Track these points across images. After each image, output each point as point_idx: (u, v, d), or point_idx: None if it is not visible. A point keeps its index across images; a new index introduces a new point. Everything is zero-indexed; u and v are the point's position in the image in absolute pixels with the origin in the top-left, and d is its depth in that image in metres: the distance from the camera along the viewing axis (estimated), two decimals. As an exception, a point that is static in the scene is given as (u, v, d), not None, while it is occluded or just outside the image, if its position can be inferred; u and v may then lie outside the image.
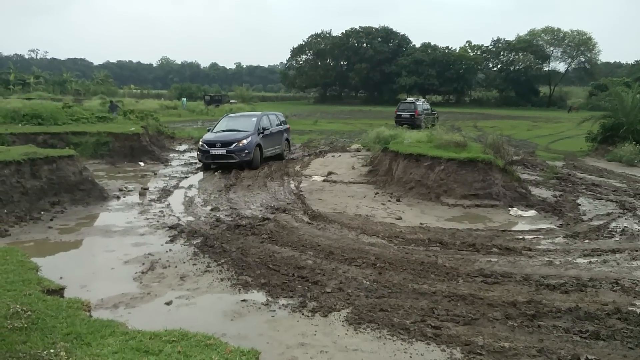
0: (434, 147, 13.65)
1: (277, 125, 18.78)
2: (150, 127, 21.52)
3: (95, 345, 3.64)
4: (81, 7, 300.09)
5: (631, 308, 6.08)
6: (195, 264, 7.56)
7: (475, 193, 11.60)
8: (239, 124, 17.38)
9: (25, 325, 3.87)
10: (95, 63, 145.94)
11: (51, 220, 9.70)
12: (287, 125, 20.18)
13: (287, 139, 19.55)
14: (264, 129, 17.17)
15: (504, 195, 11.61)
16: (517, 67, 75.40)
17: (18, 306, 4.10)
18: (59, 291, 4.84)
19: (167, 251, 8.13)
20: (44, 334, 3.79)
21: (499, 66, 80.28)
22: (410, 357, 4.99)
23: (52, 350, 3.48)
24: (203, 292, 6.58)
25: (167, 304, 6.21)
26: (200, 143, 16.45)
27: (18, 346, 3.59)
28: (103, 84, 74.59)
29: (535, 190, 12.90)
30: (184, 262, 7.63)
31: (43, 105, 20.27)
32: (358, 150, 21.06)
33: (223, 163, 15.94)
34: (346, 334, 5.48)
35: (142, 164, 17.27)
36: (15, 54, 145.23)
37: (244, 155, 15.80)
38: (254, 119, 17.52)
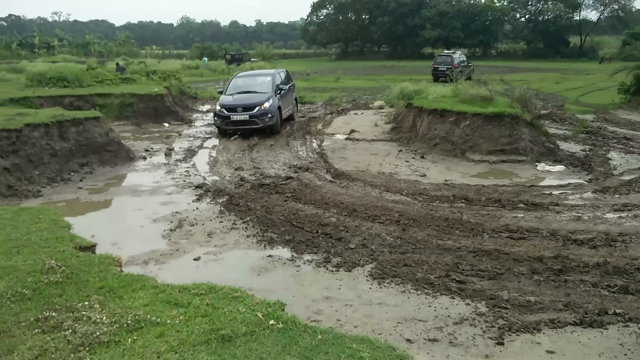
0: (459, 102, 13.37)
1: (287, 83, 17.34)
2: (173, 88, 21.46)
3: (127, 298, 3.79)
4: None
5: (662, 263, 6.00)
6: (221, 222, 7.69)
7: (502, 148, 11.41)
8: (254, 85, 15.96)
9: (60, 280, 4.06)
10: (117, 24, 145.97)
11: (80, 180, 9.94)
12: (293, 82, 18.90)
13: (295, 98, 18.48)
14: (280, 89, 15.81)
15: (531, 150, 11.39)
16: (546, 17, 72.42)
17: (53, 262, 4.29)
18: (90, 248, 5.01)
19: (194, 209, 8.28)
20: (78, 288, 3.97)
21: (526, 16, 77.19)
22: (435, 310, 5.05)
23: (86, 303, 3.65)
24: (230, 249, 6.72)
25: (196, 259, 6.37)
26: (218, 108, 14.89)
27: (54, 299, 3.78)
28: (125, 45, 74.45)
29: (563, 145, 12.63)
30: (211, 220, 7.77)
31: (68, 67, 20.38)
32: (381, 107, 20.78)
33: (245, 129, 14.52)
34: (370, 288, 5.56)
35: (166, 124, 17.37)
36: (39, 17, 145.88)
37: (267, 119, 14.43)
38: (269, 78, 16.04)
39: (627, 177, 9.86)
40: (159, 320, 3.43)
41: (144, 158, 12.08)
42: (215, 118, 15.02)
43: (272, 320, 3.41)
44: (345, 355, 3.07)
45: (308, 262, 6.22)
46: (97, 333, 3.26)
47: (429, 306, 5.14)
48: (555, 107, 19.47)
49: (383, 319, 4.89)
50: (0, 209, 6.29)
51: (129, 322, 3.42)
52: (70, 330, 3.33)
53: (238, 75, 17.56)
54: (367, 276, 5.83)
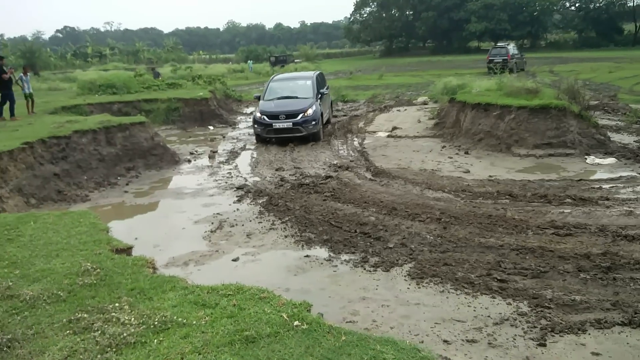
0: (503, 95, 13.02)
1: (324, 86, 16.29)
2: (218, 91, 21.92)
3: (156, 299, 3.87)
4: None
5: None
6: (260, 222, 7.76)
7: (549, 142, 11.00)
8: (294, 89, 15.02)
9: (95, 282, 4.20)
10: (165, 31, 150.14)
11: (127, 184, 10.29)
12: (328, 85, 17.79)
13: (331, 101, 17.95)
14: (321, 93, 14.91)
15: (580, 142, 10.92)
16: (598, 4, 69.26)
17: (89, 264, 4.45)
18: (126, 250, 5.15)
19: (234, 210, 8.39)
20: (110, 289, 4.09)
21: (576, 5, 74.16)
22: (474, 310, 4.91)
23: (117, 304, 3.75)
24: (268, 249, 6.76)
25: (234, 260, 6.46)
26: (258, 115, 13.85)
27: (87, 300, 3.91)
28: (173, 52, 76.58)
29: (615, 137, 12.07)
30: (250, 221, 7.85)
31: (116, 75, 21.20)
32: (425, 103, 20.46)
33: (289, 137, 13.63)
34: (408, 288, 5.47)
35: (211, 127, 17.73)
36: (92, 27, 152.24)
37: (311, 127, 13.54)
38: (309, 81, 15.09)
39: (683, 168, 9.31)
40: (185, 321, 3.49)
41: (189, 161, 12.36)
42: (255, 126, 14.01)
43: (297, 322, 3.40)
44: (369, 357, 3.02)
45: (345, 262, 6.19)
46: (125, 334, 3.34)
47: (468, 306, 5.01)
48: (607, 97, 18.59)
49: (420, 320, 4.80)
50: (45, 213, 6.55)
51: (156, 323, 3.48)
52: (99, 332, 3.42)
53: (275, 78, 16.45)
54: (405, 276, 5.74)
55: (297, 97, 14.40)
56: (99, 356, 3.13)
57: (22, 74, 14.95)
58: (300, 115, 13.53)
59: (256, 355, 3.04)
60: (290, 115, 13.56)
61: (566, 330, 4.43)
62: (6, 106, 14.04)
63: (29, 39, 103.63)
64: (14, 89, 14.27)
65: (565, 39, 76.90)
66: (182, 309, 3.64)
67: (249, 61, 57.97)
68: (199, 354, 3.06)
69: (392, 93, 25.10)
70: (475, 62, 43.13)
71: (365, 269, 5.97)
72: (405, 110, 19.26)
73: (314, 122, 13.62)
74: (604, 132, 11.78)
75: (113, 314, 3.60)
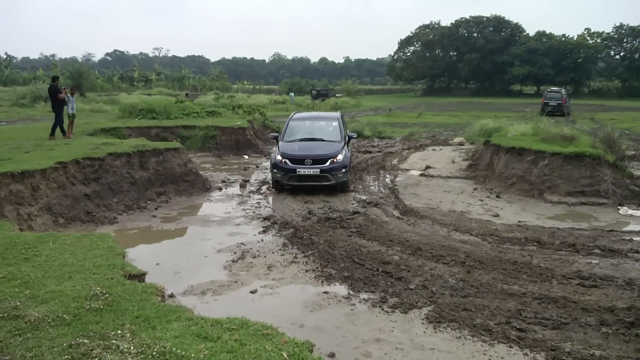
0: (539, 140, 12.88)
1: (346, 128, 14.44)
2: (256, 122, 22.27)
3: (159, 328, 3.89)
4: (196, 6, 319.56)
5: None
6: (283, 255, 7.80)
7: (582, 190, 10.77)
8: (318, 130, 13.36)
9: (101, 307, 4.23)
10: (212, 60, 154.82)
11: (156, 209, 10.49)
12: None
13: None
14: (349, 136, 13.48)
15: (614, 192, 10.65)
16: (642, 54, 68.20)
17: (99, 288, 4.51)
18: (139, 276, 5.22)
19: (258, 241, 8.46)
20: (116, 316, 4.13)
21: (621, 54, 73.12)
22: (489, 359, 4.78)
23: (119, 331, 3.78)
24: (287, 283, 6.77)
25: (252, 292, 6.47)
26: (279, 158, 11.96)
27: (91, 325, 3.93)
28: (218, 80, 78.66)
29: (651, 188, 11.66)
30: (273, 253, 7.89)
31: (157, 100, 21.80)
32: (461, 144, 20.36)
33: (314, 186, 11.90)
34: (425, 332, 5.38)
35: (246, 156, 18.01)
36: (140, 52, 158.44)
37: (340, 174, 11.79)
38: (335, 122, 13.48)
39: None
40: (184, 353, 3.48)
41: (220, 189, 12.56)
42: (275, 170, 12.01)
43: (295, 361, 3.38)
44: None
45: (364, 301, 6.14)
46: (122, 363, 3.35)
47: (483, 354, 4.90)
48: (647, 148, 18.06)
49: (433, 366, 4.70)
50: (65, 234, 6.68)
51: (155, 353, 3.48)
52: (97, 359, 3.43)
53: (295, 117, 14.27)
54: (423, 319, 5.66)
55: (323, 140, 12.69)
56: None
57: (69, 94, 15.57)
58: (329, 161, 11.69)
59: (250, 393, 3.04)
60: (318, 160, 11.69)
61: (582, 387, 4.26)
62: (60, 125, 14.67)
63: (79, 60, 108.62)
64: None
65: (609, 87, 75.74)
66: (184, 341, 3.65)
67: (290, 93, 59.03)
68: (193, 388, 3.07)
69: (429, 132, 25.10)
70: (515, 105, 42.80)
71: (383, 309, 5.91)
72: (441, 149, 19.19)
73: (344, 170, 11.82)
74: (639, 183, 11.43)
75: (114, 341, 3.61)
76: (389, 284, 6.60)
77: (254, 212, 10.32)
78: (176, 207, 10.80)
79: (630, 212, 9.99)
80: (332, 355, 4.86)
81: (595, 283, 6.45)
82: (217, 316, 4.34)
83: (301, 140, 12.83)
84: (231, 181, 13.55)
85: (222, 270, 7.22)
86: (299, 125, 13.66)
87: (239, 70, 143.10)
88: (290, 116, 14.33)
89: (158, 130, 17.61)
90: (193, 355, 3.46)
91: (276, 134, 13.80)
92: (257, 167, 16.06)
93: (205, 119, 20.93)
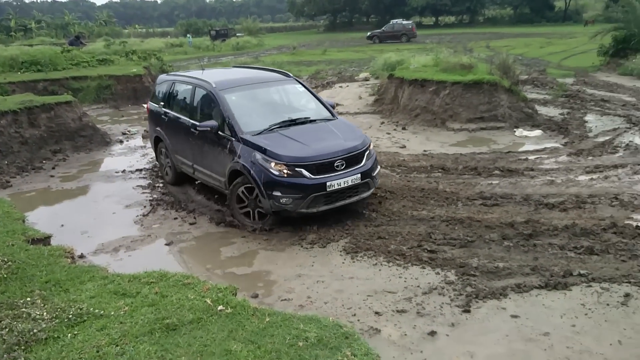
0: (440, 71, 13.22)
1: None
2: (154, 67, 21.04)
3: (73, 291, 3.71)
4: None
5: (627, 222, 6.05)
6: (195, 202, 7.61)
7: (481, 116, 11.33)
8: (285, 102, 7.84)
9: (5, 276, 3.94)
10: (98, 3, 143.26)
11: (53, 168, 9.75)
12: None
13: None
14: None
15: (510, 116, 11.32)
16: (533, -19, 71.54)
17: (-1, 257, 4.18)
18: (44, 240, 4.89)
19: (169, 192, 8.18)
20: (22, 283, 3.87)
21: (513, -19, 76.27)
22: (405, 281, 5.05)
23: (28, 299, 3.55)
24: (203, 231, 6.65)
25: (168, 244, 6.31)
26: (276, 170, 6.25)
27: None
28: (107, 25, 73.11)
29: (542, 110, 12.59)
30: (186, 202, 7.68)
31: (41, 51, 19.81)
32: (366, 79, 20.51)
33: (345, 205, 6.66)
34: (343, 262, 5.55)
35: (146, 105, 17.07)
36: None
37: (375, 174, 6.94)
38: (294, 84, 8.05)
39: (601, 139, 9.87)
40: (102, 312, 3.36)
41: (121, 142, 11.92)
42: (277, 195, 6.24)
43: (221, 306, 3.36)
44: (291, 337, 3.04)
45: (283, 240, 6.18)
46: (35, 330, 3.17)
47: (399, 277, 5.14)
48: (537, 72, 19.37)
49: (353, 293, 4.89)
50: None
51: (71, 316, 3.33)
52: (7, 329, 3.22)
53: (222, 84, 7.29)
54: (340, 251, 5.81)
55: (315, 121, 7.27)
56: (5, 355, 2.95)
57: None
58: (366, 156, 6.81)
59: (177, 342, 2.99)
60: (352, 158, 6.60)
61: (489, 296, 4.64)
62: None
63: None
64: None
65: (502, 14, 78.99)
66: (101, 300, 3.51)
67: (188, 35, 56.15)
68: (116, 345, 2.97)
69: (335, 69, 25.07)
70: (417, 38, 43.62)
71: (302, 246, 6.00)
72: (348, 86, 19.26)
73: (379, 167, 7.20)
74: (532, 105, 12.24)
75: (24, 309, 3.41)
76: (306, 221, 6.67)
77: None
78: (75, 164, 10.10)
79: (525, 133, 10.70)
80: (255, 295, 4.90)
81: (497, 202, 6.91)
82: (134, 272, 4.19)
83: (282, 126, 6.90)
84: (132, 133, 12.87)
85: (133, 225, 6.94)
86: (245, 100, 7.34)
87: (129, 14, 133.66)
88: (207, 84, 7.34)
89: (45, 84, 16.09)
90: (113, 313, 3.35)
91: (242, 126, 6.78)
92: (160, 115, 15.33)
93: (97, 68, 19.44)
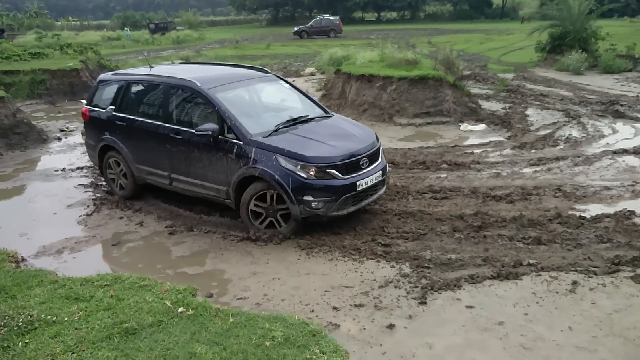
0: (386, 66, 13.37)
1: None
2: (91, 62, 20.33)
3: (20, 297, 3.49)
4: None
5: (571, 212, 6.32)
6: (143, 200, 7.37)
7: (427, 111, 11.55)
8: (277, 102, 7.40)
9: (-58, 287, 3.66)
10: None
11: (-14, 168, 9.19)
12: None
13: None
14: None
15: (455, 111, 11.62)
16: (469, -21, 73.75)
17: None
18: (-18, 244, 4.59)
19: (111, 192, 7.85)
20: (-36, 293, 3.61)
21: (451, -22, 78.31)
22: (361, 275, 5.07)
23: (-28, 309, 3.31)
24: (151, 231, 6.44)
25: (114, 245, 6.06)
26: (304, 174, 5.80)
27: None
28: (38, 17, 69.55)
29: (485, 104, 12.98)
30: (132, 201, 7.41)
31: (-34, 44, 18.72)
32: (312, 74, 20.53)
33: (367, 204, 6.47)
34: (298, 259, 5.51)
35: (83, 101, 16.34)
36: None
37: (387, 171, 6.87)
38: (278, 81, 7.61)
39: (542, 133, 10.29)
40: (55, 318, 3.18)
41: (59, 139, 11.38)
42: (306, 203, 5.84)
43: (182, 308, 3.25)
44: (257, 337, 2.98)
45: (237, 238, 6.06)
46: (-19, 341, 2.96)
47: (355, 272, 5.16)
48: (479, 67, 20.01)
49: (310, 290, 4.86)
50: None
51: (20, 324, 3.12)
52: (-51, 344, 2.99)
53: (208, 85, 6.52)
54: (295, 247, 5.76)
55: (313, 119, 6.88)
56: (-50, 369, 2.76)
57: None
58: (381, 153, 6.78)
59: (137, 347, 2.86)
60: (374, 155, 6.47)
61: (444, 288, 4.72)
62: None
63: None
64: None
65: (442, 11, 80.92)
66: (52, 306, 3.31)
67: (125, 28, 54.37)
68: (73, 352, 2.81)
69: (280, 63, 24.95)
70: (359, 33, 44.12)
71: (256, 244, 5.90)
72: (294, 81, 19.01)
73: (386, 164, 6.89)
74: (476, 100, 12.60)
75: (-33, 320, 3.16)
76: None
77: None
78: (10, 163, 9.53)
79: (470, 127, 11.02)
80: (209, 295, 4.77)
81: (446, 195, 7.07)
82: (82, 275, 3.99)
83: (287, 126, 6.51)
84: (71, 129, 12.30)
85: (76, 226, 6.63)
86: (237, 99, 6.80)
87: (61, 5, 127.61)
88: (190, 83, 6.57)
89: (-28, 80, 15.16)
90: (66, 319, 3.17)
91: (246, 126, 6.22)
92: (100, 111, 14.75)
93: (29, 62, 18.43)
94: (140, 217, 6.85)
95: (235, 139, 6.07)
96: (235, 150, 6.05)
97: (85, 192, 7.92)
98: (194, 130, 6.19)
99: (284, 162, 5.82)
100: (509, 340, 3.94)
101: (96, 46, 26.44)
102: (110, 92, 7.53)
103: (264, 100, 7.26)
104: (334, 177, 5.90)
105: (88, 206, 7.28)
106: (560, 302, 4.43)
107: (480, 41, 33.06)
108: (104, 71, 21.19)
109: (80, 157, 9.84)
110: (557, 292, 4.57)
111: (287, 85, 7.60)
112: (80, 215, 6.95)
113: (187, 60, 24.40)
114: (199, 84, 6.46)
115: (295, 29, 47.17)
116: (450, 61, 12.97)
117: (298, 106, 7.23)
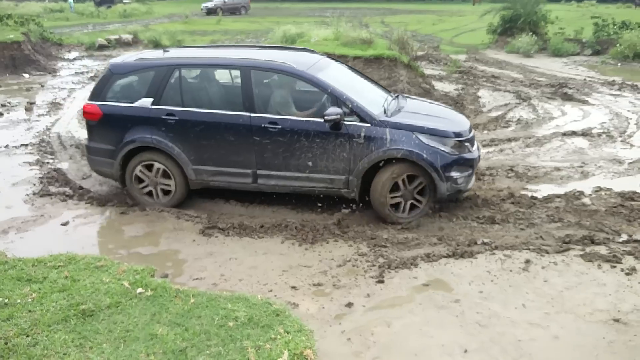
0: (340, 45, 13.33)
1: None
2: (33, 34, 19.40)
3: (-34, 281, 3.32)
4: None
5: (523, 192, 6.53)
6: (92, 178, 7.12)
7: (382, 90, 11.62)
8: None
9: None
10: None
11: None
12: None
13: None
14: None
15: (409, 91, 11.66)
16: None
17: None
18: None
19: (60, 169, 7.55)
20: None
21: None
22: (319, 255, 5.10)
23: None
24: (103, 210, 6.23)
25: (64, 224, 5.84)
26: (445, 148, 5.70)
27: None
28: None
29: (438, 85, 13.17)
30: (84, 179, 7.16)
31: None
32: (265, 51, 20.21)
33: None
34: (255, 238, 5.46)
35: (26, 75, 15.67)
36: None
37: None
38: (343, 65, 7.42)
39: (494, 114, 10.56)
40: (7, 301, 3.04)
41: (1, 114, 10.79)
42: (453, 179, 5.72)
43: (140, 288, 3.18)
44: (220, 317, 2.95)
45: (192, 218, 5.93)
46: None
47: (313, 252, 5.17)
48: (432, 49, 20.25)
49: (268, 269, 4.85)
50: None
51: (-32, 309, 2.98)
52: None
53: (308, 68, 6.03)
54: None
55: (397, 97, 7.00)
56: None
57: None
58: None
59: (95, 329, 2.78)
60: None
61: (401, 266, 4.79)
62: None
63: None
64: None
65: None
66: (2, 287, 3.16)
67: (69, 0, 51.77)
68: (27, 335, 2.70)
69: (231, 40, 24.42)
70: (312, 10, 43.69)
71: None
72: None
73: None
74: (429, 81, 12.78)
75: None
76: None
77: (48, 137, 9.13)
78: (-54, 139, 9.00)
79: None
80: (165, 276, 4.67)
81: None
82: (30, 255, 3.82)
83: (392, 105, 6.43)
84: (13, 105, 11.68)
85: (22, 205, 6.34)
86: (335, 81, 6.05)
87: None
88: (285, 66, 5.96)
89: None
90: (19, 301, 3.03)
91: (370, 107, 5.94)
92: (42, 86, 14.10)
93: (-35, 32, 17.38)
94: (91, 196, 6.60)
95: (360, 122, 5.71)
96: (362, 134, 5.67)
97: (31, 169, 7.55)
98: (308, 119, 5.78)
99: (425, 139, 5.64)
100: (465, 317, 4.05)
101: (38, 18, 25.15)
102: (139, 81, 6.33)
103: (348, 82, 6.48)
104: (469, 150, 5.90)
105: (34, 185, 6.96)
106: (514, 280, 4.58)
107: (432, 22, 33.45)
108: (47, 45, 20.27)
109: (24, 134, 9.37)
110: (510, 270, 4.72)
111: (344, 65, 7.32)
112: (27, 194, 6.64)
113: (134, 33, 23.61)
114: (296, 67, 5.88)
115: (208, 5, 43.68)
116: (405, 41, 13.08)
117: (367, 86, 6.84)
